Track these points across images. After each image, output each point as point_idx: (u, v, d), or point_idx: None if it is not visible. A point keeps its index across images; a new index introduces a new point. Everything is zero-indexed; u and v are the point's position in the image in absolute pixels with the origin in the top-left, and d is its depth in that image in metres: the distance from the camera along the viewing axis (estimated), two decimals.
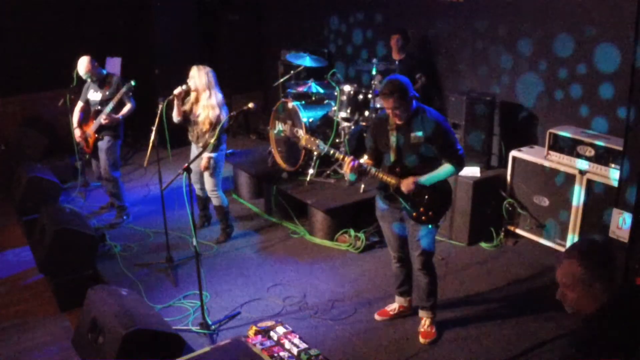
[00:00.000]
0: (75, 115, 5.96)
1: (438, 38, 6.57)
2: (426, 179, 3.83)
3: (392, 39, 6.42)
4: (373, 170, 3.90)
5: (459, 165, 3.89)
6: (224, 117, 5.13)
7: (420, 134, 3.79)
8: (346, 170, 3.87)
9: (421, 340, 4.11)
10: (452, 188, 4.16)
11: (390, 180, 3.89)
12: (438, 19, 6.50)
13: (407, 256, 4.18)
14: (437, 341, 4.09)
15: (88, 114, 5.90)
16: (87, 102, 5.88)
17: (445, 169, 3.86)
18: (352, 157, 3.86)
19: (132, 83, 5.57)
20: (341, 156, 3.94)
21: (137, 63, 8.09)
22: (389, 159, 3.93)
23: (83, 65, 5.67)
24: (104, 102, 5.70)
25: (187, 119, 5.34)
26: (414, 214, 3.91)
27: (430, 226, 3.92)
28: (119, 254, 5.42)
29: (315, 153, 4.25)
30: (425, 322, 4.17)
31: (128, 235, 5.81)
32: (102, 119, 5.62)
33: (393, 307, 4.43)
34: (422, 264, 4.03)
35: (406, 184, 3.84)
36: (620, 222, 3.39)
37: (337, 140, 6.16)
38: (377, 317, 4.42)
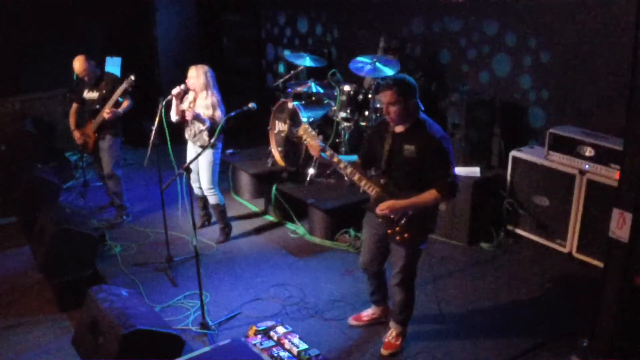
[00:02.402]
0: (71, 118, 5.96)
1: (439, 38, 6.57)
2: (405, 204, 3.54)
3: (387, 52, 6.42)
4: (349, 169, 3.67)
5: (446, 193, 3.50)
6: (220, 117, 5.14)
7: (413, 147, 3.50)
8: (313, 153, 3.69)
9: (382, 350, 3.98)
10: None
11: (371, 189, 3.68)
12: (440, 19, 6.51)
13: (376, 271, 4.04)
14: (399, 354, 3.98)
15: (84, 115, 5.89)
16: (82, 102, 5.87)
17: (429, 195, 3.50)
18: (322, 146, 3.67)
19: (132, 77, 5.54)
20: (313, 142, 3.71)
21: (137, 63, 8.10)
22: (379, 167, 3.70)
23: (78, 64, 5.66)
24: (101, 101, 5.69)
25: (185, 118, 5.35)
26: (389, 230, 3.68)
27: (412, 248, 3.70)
28: (119, 254, 5.42)
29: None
30: (392, 332, 4.04)
31: (128, 235, 5.81)
32: (105, 113, 5.61)
33: (367, 313, 4.33)
34: (399, 282, 3.84)
35: (380, 208, 3.58)
36: (620, 222, 3.39)
37: (337, 140, 6.15)
38: (351, 321, 4.32)
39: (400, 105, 3.48)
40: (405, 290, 3.89)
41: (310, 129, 3.80)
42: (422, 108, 3.60)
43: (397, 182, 3.64)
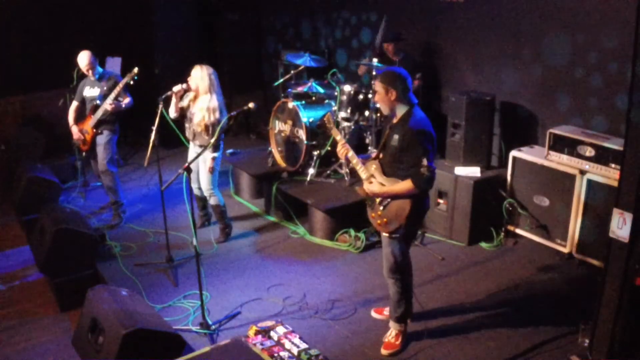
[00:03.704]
0: (71, 115, 5.96)
1: (439, 38, 6.57)
2: (380, 191, 3.75)
3: (385, 47, 6.43)
4: (350, 153, 3.95)
5: (418, 185, 3.61)
6: (221, 120, 5.13)
7: (397, 137, 3.69)
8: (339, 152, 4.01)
9: (382, 350, 4.00)
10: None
11: (363, 173, 3.90)
12: (439, 19, 6.50)
13: None
14: (399, 353, 3.98)
15: (83, 114, 5.90)
16: (82, 101, 5.88)
17: (404, 185, 3.66)
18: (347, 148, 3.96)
19: (136, 70, 5.49)
20: (338, 137, 4.06)
21: (137, 63, 8.10)
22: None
23: (84, 58, 5.69)
24: (102, 97, 5.69)
25: (184, 115, 5.35)
26: (372, 214, 3.87)
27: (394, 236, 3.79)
28: (119, 254, 5.42)
29: (331, 131, 4.25)
30: (391, 332, 4.07)
31: (128, 235, 5.80)
32: (108, 104, 5.61)
33: (387, 308, 4.33)
34: (387, 270, 3.93)
35: (362, 189, 3.87)
36: (620, 222, 3.39)
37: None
38: (373, 313, 4.41)
39: (380, 93, 3.73)
40: (396, 284, 3.95)
41: (331, 119, 4.25)
42: (414, 101, 3.76)
43: (384, 169, 3.84)
